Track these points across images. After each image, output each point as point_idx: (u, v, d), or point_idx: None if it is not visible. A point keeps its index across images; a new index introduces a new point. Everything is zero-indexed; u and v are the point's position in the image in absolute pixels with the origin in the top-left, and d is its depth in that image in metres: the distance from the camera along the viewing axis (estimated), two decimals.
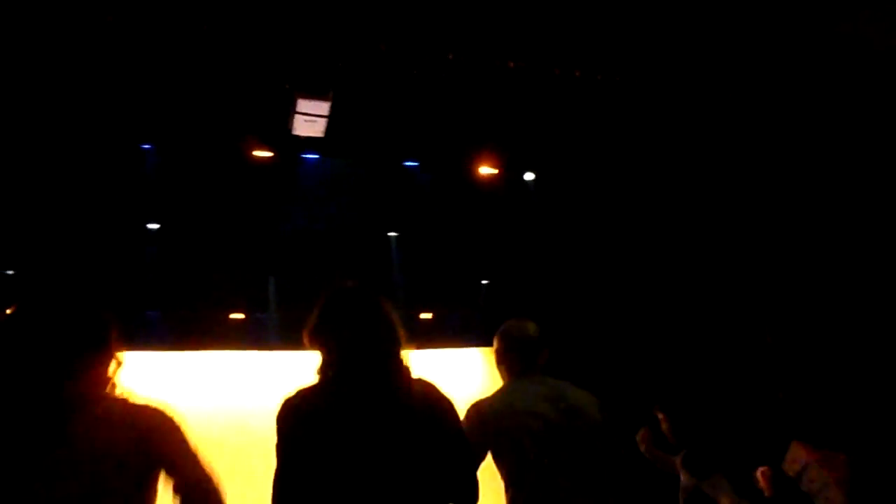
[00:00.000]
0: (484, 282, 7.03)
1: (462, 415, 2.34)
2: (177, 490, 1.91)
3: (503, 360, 3.04)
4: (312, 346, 2.23)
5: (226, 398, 5.92)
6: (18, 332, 1.91)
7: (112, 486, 1.81)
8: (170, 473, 1.91)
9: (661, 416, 4.06)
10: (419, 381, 2.21)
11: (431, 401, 2.18)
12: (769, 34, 4.43)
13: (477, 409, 2.82)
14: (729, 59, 4.68)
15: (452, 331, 6.86)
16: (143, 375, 2.09)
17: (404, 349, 2.22)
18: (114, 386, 1.97)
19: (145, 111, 4.86)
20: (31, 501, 1.74)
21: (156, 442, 1.90)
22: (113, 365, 1.98)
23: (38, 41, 4.14)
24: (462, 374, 6.63)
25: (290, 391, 2.16)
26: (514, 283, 6.84)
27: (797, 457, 3.39)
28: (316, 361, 2.23)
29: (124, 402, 1.95)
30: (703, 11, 4.31)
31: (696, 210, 5.79)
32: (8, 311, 1.98)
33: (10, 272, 5.65)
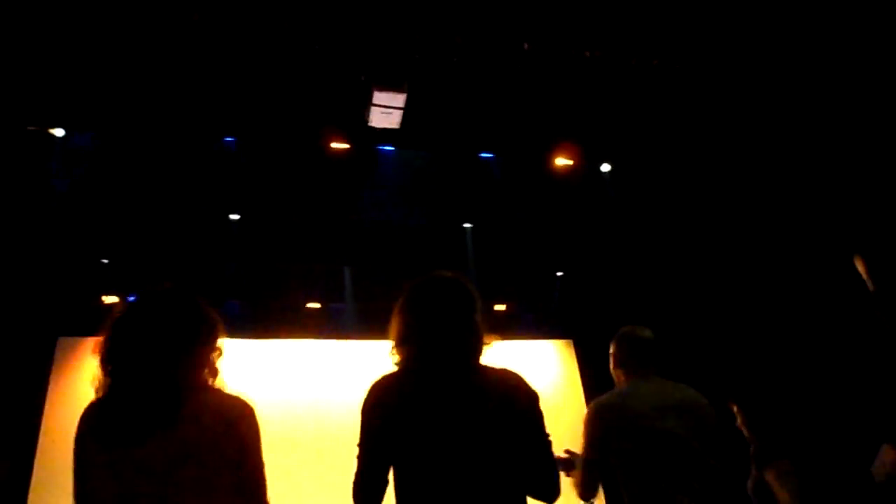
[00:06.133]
0: (559, 273, 6.98)
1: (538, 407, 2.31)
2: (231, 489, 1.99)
3: (621, 363, 3.08)
4: (396, 330, 2.24)
5: (302, 385, 6.07)
6: (137, 324, 2.05)
7: (213, 467, 1.91)
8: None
9: (734, 408, 3.76)
10: (504, 370, 2.21)
11: (515, 390, 2.17)
12: (857, 20, 4.24)
13: (602, 408, 2.88)
14: (814, 48, 4.50)
15: (527, 322, 6.85)
16: (223, 362, 2.18)
17: (486, 337, 2.23)
18: (216, 373, 2.10)
19: (227, 105, 5.00)
20: (142, 481, 1.85)
21: (240, 433, 1.98)
22: (215, 354, 2.11)
23: (123, 41, 4.31)
24: (536, 366, 6.60)
25: (376, 379, 2.19)
26: (589, 275, 6.76)
27: (887, 460, 3.25)
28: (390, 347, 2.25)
29: (220, 392, 2.07)
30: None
31: (773, 200, 5.60)
32: (127, 304, 2.14)
33: (105, 261, 5.94)
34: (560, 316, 7.00)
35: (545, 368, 6.66)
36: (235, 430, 1.96)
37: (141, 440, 1.88)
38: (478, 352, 2.21)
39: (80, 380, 5.76)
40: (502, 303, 6.77)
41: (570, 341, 6.90)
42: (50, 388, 5.68)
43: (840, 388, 4.44)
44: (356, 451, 2.13)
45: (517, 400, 2.15)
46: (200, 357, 2.07)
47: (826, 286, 5.20)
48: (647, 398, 2.83)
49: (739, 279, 5.96)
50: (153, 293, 2.15)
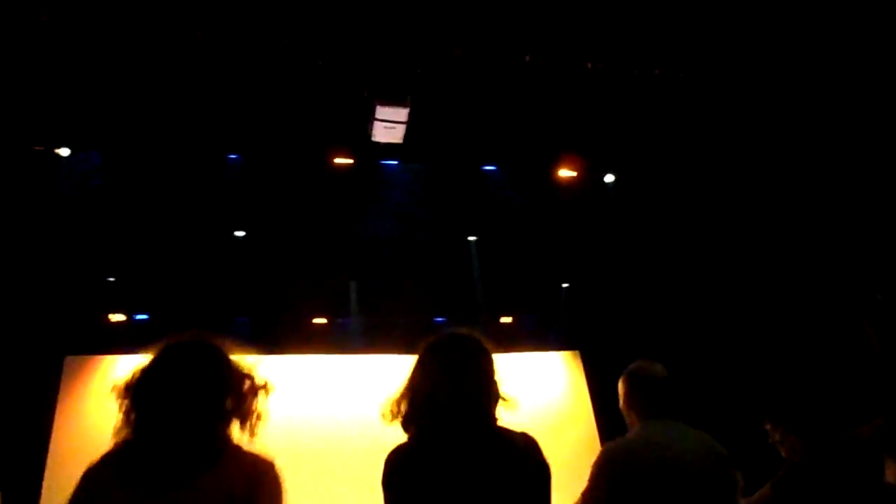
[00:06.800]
0: (564, 285, 6.97)
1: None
2: None
3: (631, 403, 2.96)
4: (411, 392, 2.20)
5: (309, 400, 6.05)
6: (171, 375, 2.05)
7: None
8: None
9: (769, 426, 3.58)
10: (523, 435, 2.18)
11: (536, 463, 2.15)
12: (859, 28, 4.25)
13: (614, 455, 2.77)
14: (816, 57, 4.51)
15: (532, 334, 6.83)
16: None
17: (498, 399, 2.19)
18: (246, 426, 2.11)
19: (231, 122, 5.02)
20: None
21: (264, 491, 2.01)
22: (244, 409, 2.12)
23: (126, 59, 4.34)
24: (543, 378, 6.59)
25: (393, 449, 2.15)
26: (594, 287, 6.75)
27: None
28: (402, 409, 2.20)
29: (242, 449, 2.08)
30: (790, 8, 4.16)
31: (778, 207, 5.59)
32: (156, 353, 2.13)
33: (111, 279, 5.95)
34: (566, 327, 6.98)
35: (551, 380, 6.64)
36: (258, 488, 1.99)
37: (167, 492, 1.89)
38: (494, 413, 2.17)
39: (87, 398, 5.77)
40: (508, 315, 6.76)
41: (577, 352, 6.88)
42: (58, 407, 5.69)
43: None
44: None
45: (534, 470, 2.13)
46: (228, 412, 2.08)
47: (834, 289, 5.19)
48: (665, 444, 2.72)
49: (746, 287, 5.95)
50: (186, 345, 2.15)
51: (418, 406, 2.16)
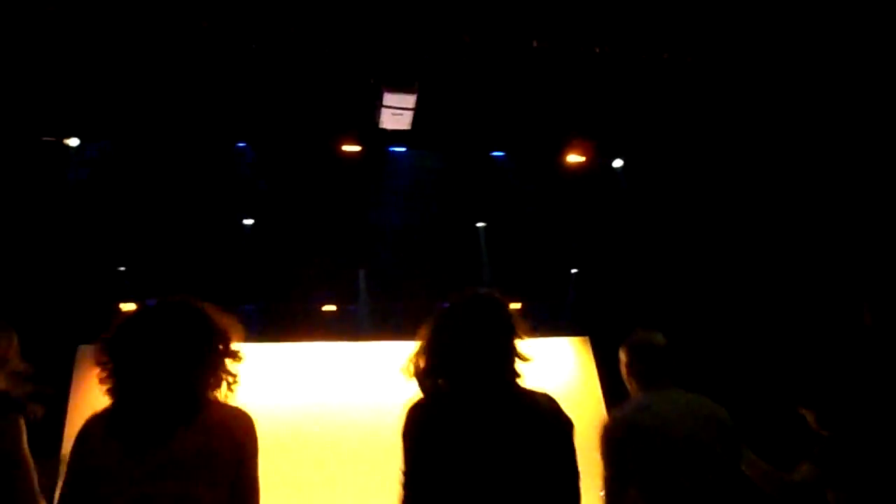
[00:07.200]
0: (573, 271, 6.96)
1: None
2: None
3: (632, 373, 2.98)
4: (429, 351, 2.21)
5: (318, 387, 6.08)
6: (144, 331, 2.07)
7: (213, 481, 1.93)
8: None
9: (805, 411, 3.46)
10: (543, 394, 2.20)
11: (556, 417, 2.17)
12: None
13: (615, 423, 2.79)
14: (824, 39, 4.47)
15: (541, 320, 6.82)
16: (240, 366, 2.18)
17: (519, 360, 2.21)
18: (220, 383, 2.10)
19: (238, 111, 5.02)
20: (150, 487, 1.88)
21: (242, 450, 2.01)
22: (230, 363, 2.13)
23: (134, 49, 4.34)
24: (553, 364, 6.59)
25: (411, 402, 2.16)
26: (603, 272, 6.74)
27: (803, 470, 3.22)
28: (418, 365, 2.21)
29: (223, 403, 2.08)
30: None
31: (790, 194, 5.56)
32: (133, 311, 2.15)
33: (122, 268, 5.99)
34: (575, 313, 6.98)
35: (562, 366, 6.64)
36: (237, 441, 1.99)
37: (156, 446, 1.91)
38: (514, 374, 2.19)
39: (100, 387, 5.82)
40: (517, 301, 6.75)
41: (587, 338, 6.88)
42: (71, 395, 5.74)
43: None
44: (400, 477, 2.09)
45: (557, 426, 2.15)
46: (206, 366, 2.08)
47: (843, 272, 5.17)
48: (661, 411, 2.73)
49: (756, 272, 5.93)
50: (163, 303, 2.15)
51: (439, 362, 2.17)
